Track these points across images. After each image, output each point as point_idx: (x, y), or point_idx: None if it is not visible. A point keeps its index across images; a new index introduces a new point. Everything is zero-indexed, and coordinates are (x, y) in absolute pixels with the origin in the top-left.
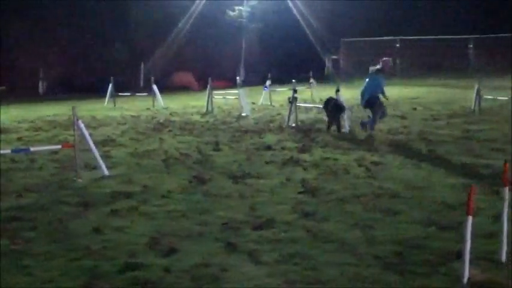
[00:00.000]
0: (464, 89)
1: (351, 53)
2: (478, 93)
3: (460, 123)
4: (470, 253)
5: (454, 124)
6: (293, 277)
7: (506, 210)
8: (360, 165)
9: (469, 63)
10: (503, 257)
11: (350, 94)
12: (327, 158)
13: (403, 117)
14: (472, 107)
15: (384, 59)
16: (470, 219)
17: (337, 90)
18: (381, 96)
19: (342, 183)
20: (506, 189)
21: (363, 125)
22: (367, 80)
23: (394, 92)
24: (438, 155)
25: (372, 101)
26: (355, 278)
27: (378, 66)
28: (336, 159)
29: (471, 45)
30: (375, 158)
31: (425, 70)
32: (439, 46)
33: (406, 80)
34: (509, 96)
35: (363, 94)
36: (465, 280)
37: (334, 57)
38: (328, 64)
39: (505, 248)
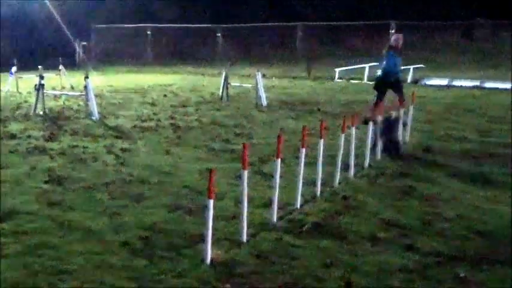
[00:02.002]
0: (213, 77)
1: (103, 39)
2: (225, 80)
3: (208, 109)
4: (213, 235)
5: (203, 111)
6: (37, 268)
7: (245, 192)
8: (109, 153)
9: (217, 51)
10: (244, 237)
11: (100, 81)
12: (76, 146)
13: (153, 104)
14: (220, 94)
15: (395, 34)
16: (211, 202)
17: (86, 77)
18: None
19: (90, 171)
20: (245, 172)
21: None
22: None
23: (146, 79)
24: (186, 140)
25: (388, 81)
26: (101, 265)
27: (390, 44)
28: (85, 147)
29: (219, 34)
30: (125, 145)
31: (177, 58)
32: (190, 34)
33: (158, 67)
34: (254, 84)
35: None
36: (208, 261)
37: (85, 43)
38: (78, 50)
39: (245, 229)
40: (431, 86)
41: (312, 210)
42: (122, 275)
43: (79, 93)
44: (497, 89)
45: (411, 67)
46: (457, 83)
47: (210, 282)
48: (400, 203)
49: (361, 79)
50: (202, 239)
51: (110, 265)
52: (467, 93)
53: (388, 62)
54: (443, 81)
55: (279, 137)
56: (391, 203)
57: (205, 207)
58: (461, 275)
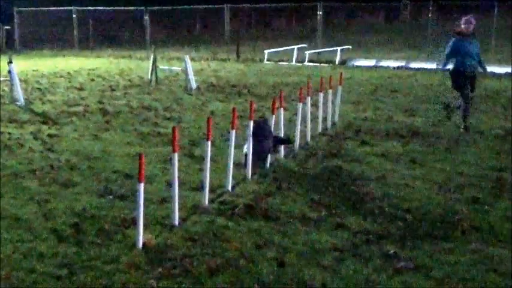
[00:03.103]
0: (141, 60)
1: (27, 23)
2: (153, 64)
3: (137, 93)
4: (145, 219)
5: (131, 95)
6: None
7: (176, 175)
8: (36, 139)
9: (145, 34)
10: (176, 221)
11: (25, 65)
12: (0, 132)
13: (80, 89)
14: (149, 78)
15: (465, 17)
16: (142, 186)
17: (10, 62)
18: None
19: (16, 157)
20: (176, 155)
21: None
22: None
23: (72, 63)
24: (116, 125)
25: (464, 74)
26: (30, 253)
27: (459, 28)
28: (10, 133)
29: (146, 17)
30: (52, 131)
31: (104, 41)
32: (117, 17)
33: (85, 51)
34: (182, 67)
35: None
36: (140, 245)
37: (8, 27)
38: (1, 34)
39: (177, 212)
40: (358, 67)
41: (243, 192)
42: (51, 262)
43: (3, 78)
44: (420, 69)
45: (338, 48)
46: (383, 63)
47: (141, 267)
48: (330, 183)
49: (290, 61)
50: (133, 223)
51: (39, 253)
52: (393, 73)
53: (458, 51)
54: (371, 62)
55: (208, 119)
56: (321, 183)
57: (136, 192)
58: (390, 252)
